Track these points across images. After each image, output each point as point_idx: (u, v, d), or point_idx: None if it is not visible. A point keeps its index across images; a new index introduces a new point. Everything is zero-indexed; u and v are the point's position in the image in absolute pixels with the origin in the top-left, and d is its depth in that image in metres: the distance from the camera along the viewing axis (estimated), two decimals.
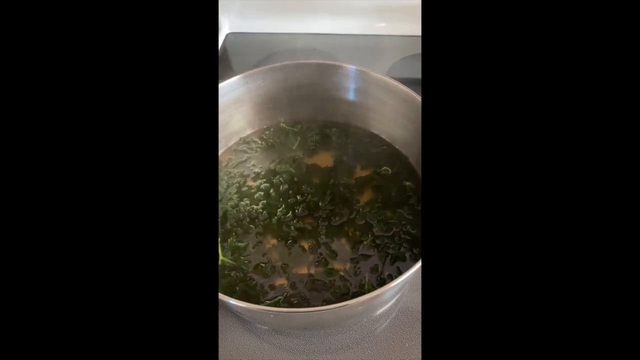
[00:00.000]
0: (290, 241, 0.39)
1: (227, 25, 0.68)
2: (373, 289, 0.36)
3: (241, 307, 0.28)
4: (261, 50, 0.65)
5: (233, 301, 0.28)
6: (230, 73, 0.64)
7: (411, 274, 0.28)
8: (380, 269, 0.37)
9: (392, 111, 0.43)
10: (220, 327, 0.37)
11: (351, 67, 0.42)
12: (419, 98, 0.39)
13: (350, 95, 0.45)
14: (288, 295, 0.36)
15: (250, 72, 0.43)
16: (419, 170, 0.43)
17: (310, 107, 0.48)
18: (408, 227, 0.39)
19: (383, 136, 0.47)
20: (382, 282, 0.36)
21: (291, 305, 0.35)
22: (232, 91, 0.43)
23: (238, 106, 0.45)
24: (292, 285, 0.36)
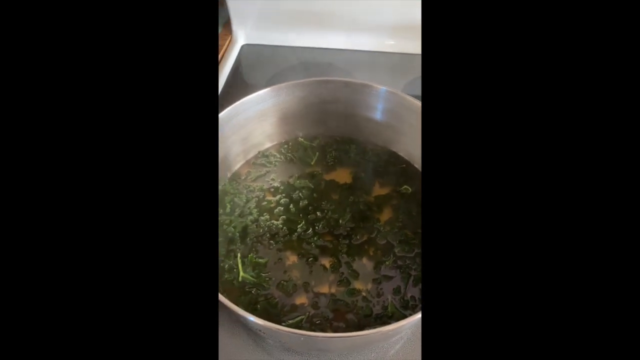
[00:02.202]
0: (311, 259, 0.39)
1: (242, 37, 0.68)
2: (396, 310, 0.35)
3: (265, 327, 0.28)
4: (276, 62, 0.65)
5: (259, 320, 0.27)
6: (244, 84, 0.65)
7: None
8: (402, 291, 0.37)
9: (414, 131, 0.44)
10: (229, 341, 0.36)
11: (382, 88, 0.43)
12: None
13: (374, 114, 0.46)
14: (310, 315, 0.35)
15: (279, 85, 0.43)
16: None
17: (330, 123, 0.48)
18: None
19: (402, 154, 0.47)
20: (405, 304, 0.36)
21: (313, 325, 0.35)
22: (258, 104, 0.43)
23: (261, 120, 0.45)
24: (314, 305, 0.36)
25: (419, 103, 0.42)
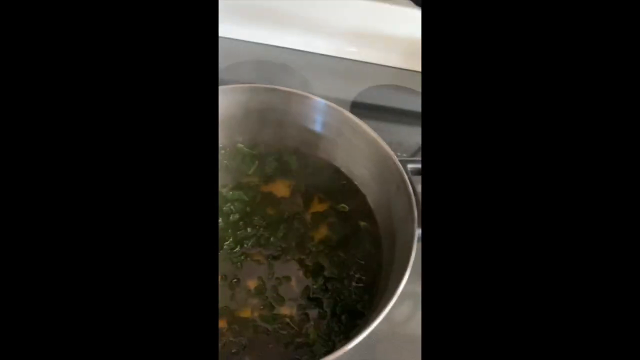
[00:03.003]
0: (235, 280, 0.37)
1: None
2: (318, 339, 0.34)
3: None
4: (228, 55, 0.61)
5: None
6: None
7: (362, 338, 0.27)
8: (327, 317, 0.35)
9: (355, 149, 0.42)
10: None
11: (320, 101, 0.41)
12: (382, 143, 0.39)
13: (316, 127, 0.44)
14: (226, 342, 0.33)
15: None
16: (375, 211, 0.42)
17: (273, 131, 0.46)
18: (360, 272, 0.38)
19: (343, 170, 0.45)
20: (328, 332, 0.35)
21: (229, 354, 0.33)
22: None
23: None
24: (233, 331, 0.34)
25: (356, 120, 0.40)
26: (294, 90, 0.41)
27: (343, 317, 0.35)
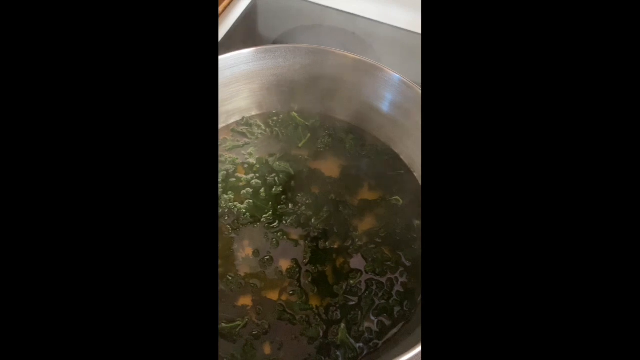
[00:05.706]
0: (267, 257, 0.34)
1: None
2: (347, 341, 0.31)
3: None
4: (293, 19, 0.57)
5: None
6: (254, 36, 0.57)
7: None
8: (360, 318, 0.32)
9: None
10: None
11: (394, 75, 0.35)
12: None
13: (383, 105, 0.39)
14: (249, 322, 0.31)
15: (270, 47, 0.36)
16: None
17: (332, 104, 0.41)
18: (405, 275, 0.34)
19: (403, 158, 0.40)
20: (358, 335, 0.31)
21: (250, 336, 0.30)
22: (244, 64, 0.36)
23: (248, 82, 0.38)
24: (258, 312, 0.31)
25: None
26: (366, 59, 0.36)
27: (378, 321, 0.31)
